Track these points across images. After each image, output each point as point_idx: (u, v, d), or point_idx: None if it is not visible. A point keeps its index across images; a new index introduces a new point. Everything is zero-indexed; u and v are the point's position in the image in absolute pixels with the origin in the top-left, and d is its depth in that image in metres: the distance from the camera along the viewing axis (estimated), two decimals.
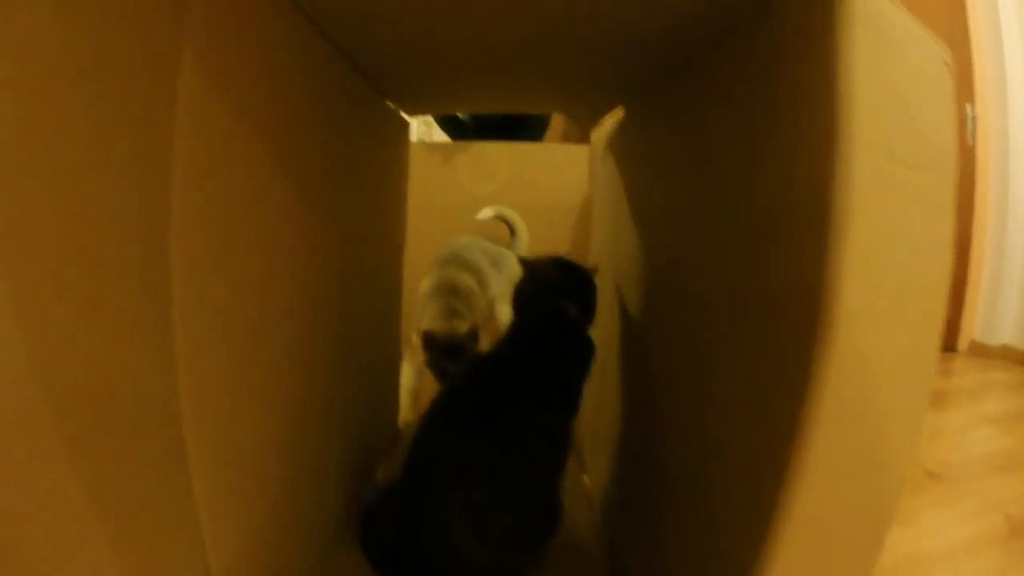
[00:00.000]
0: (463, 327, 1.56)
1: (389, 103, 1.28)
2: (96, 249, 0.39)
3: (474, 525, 0.86)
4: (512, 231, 2.10)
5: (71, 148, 0.36)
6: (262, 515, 0.70)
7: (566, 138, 2.62)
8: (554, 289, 1.08)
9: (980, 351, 3.32)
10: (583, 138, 2.04)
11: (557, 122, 2.68)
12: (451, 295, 1.68)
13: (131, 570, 0.44)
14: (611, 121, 1.32)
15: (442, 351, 1.50)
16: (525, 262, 1.18)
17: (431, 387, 1.53)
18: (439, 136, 2.67)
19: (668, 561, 0.77)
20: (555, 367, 0.99)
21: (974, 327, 3.41)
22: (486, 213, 2.09)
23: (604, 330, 1.12)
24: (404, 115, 1.43)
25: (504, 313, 1.83)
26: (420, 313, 1.69)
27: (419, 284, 1.80)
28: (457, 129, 2.49)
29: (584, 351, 1.05)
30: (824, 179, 0.47)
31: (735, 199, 0.64)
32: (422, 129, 3.37)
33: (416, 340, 1.65)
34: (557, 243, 2.17)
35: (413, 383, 1.73)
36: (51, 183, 0.35)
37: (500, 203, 2.14)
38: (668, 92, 0.92)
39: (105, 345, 0.41)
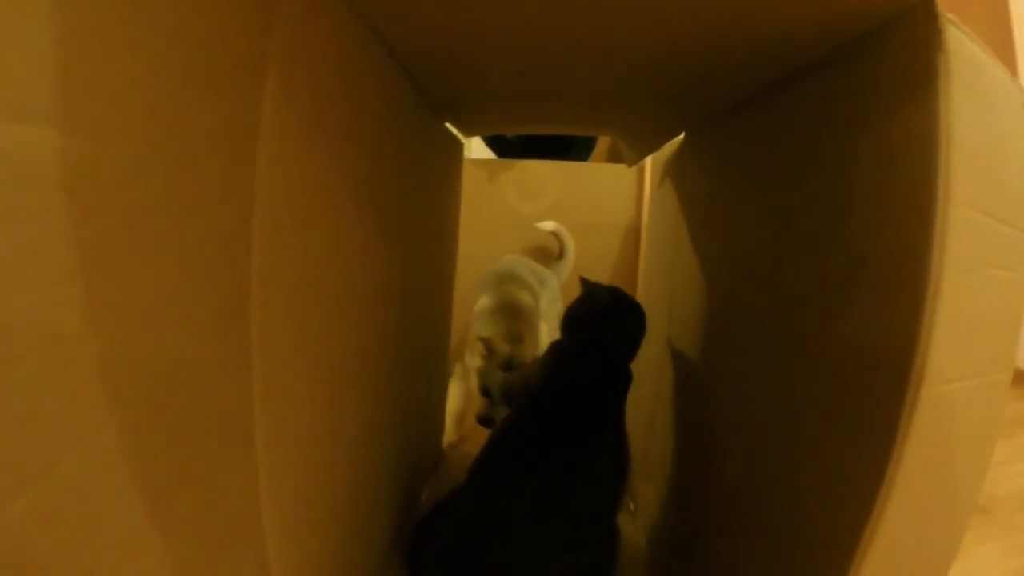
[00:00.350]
0: (527, 354, 1.55)
1: (448, 124, 1.29)
2: (181, 253, 0.40)
3: (540, 561, 0.86)
4: (562, 252, 2.11)
5: (160, 153, 0.37)
6: (324, 536, 0.70)
7: (612, 157, 2.61)
8: (606, 319, 1.08)
9: (1021, 378, 3.27)
10: (633, 161, 2.04)
11: (603, 141, 2.68)
12: (514, 317, 1.67)
13: None
14: (671, 147, 1.32)
15: (500, 365, 1.50)
16: (586, 283, 1.19)
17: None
18: (478, 154, 2.67)
19: None
20: (601, 400, 1.00)
21: (1018, 354, 3.35)
22: (547, 225, 2.10)
23: (655, 360, 1.12)
24: (459, 135, 1.44)
25: (544, 332, 1.83)
26: (478, 331, 1.67)
27: (475, 302, 1.81)
28: (502, 146, 2.49)
29: (625, 384, 1.05)
30: (921, 234, 0.46)
31: (814, 242, 0.64)
32: None
33: (468, 359, 1.67)
34: (603, 262, 2.17)
35: (460, 406, 1.73)
36: (136, 197, 0.35)
37: (547, 221, 2.14)
38: (736, 121, 0.92)
39: (183, 344, 0.41)
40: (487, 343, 1.50)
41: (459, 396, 1.74)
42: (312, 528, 0.65)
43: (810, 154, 0.67)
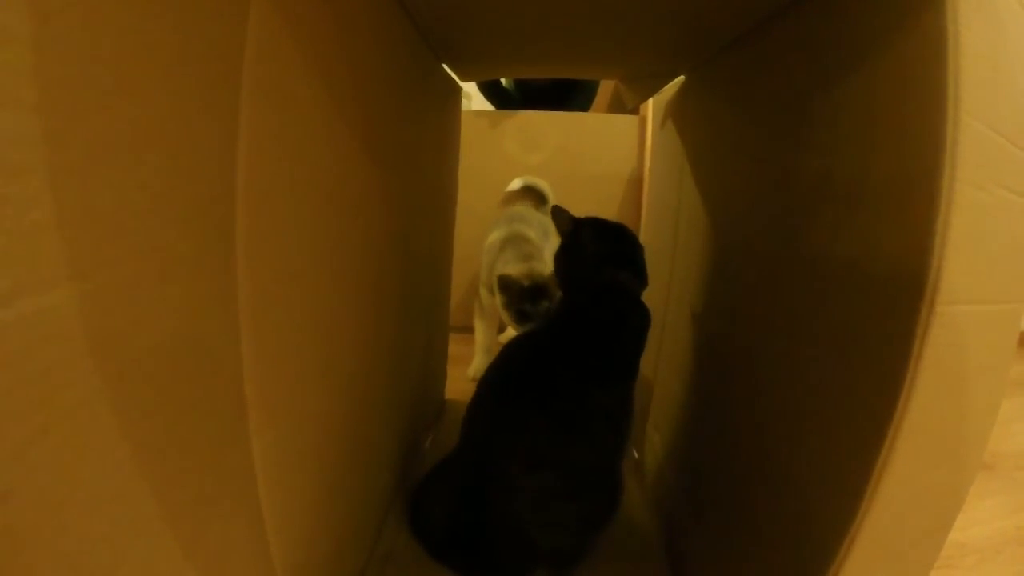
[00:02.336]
0: (544, 269, 1.58)
1: (445, 66, 1.26)
2: (159, 202, 0.38)
3: (540, 510, 0.85)
4: (544, 199, 2.09)
5: (135, 87, 0.35)
6: (322, 493, 0.69)
7: (613, 107, 2.59)
8: (605, 257, 1.02)
9: None
10: (633, 108, 2.02)
11: (604, 92, 2.65)
12: (524, 243, 1.72)
13: (189, 551, 0.43)
14: (671, 89, 1.30)
15: (521, 294, 1.52)
16: (559, 215, 1.11)
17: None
18: (477, 106, 2.65)
19: (738, 539, 0.76)
20: (612, 340, 0.95)
21: (1021, 316, 3.35)
22: (515, 184, 2.09)
23: (659, 299, 1.10)
24: (458, 80, 1.41)
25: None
26: (491, 264, 1.72)
27: (486, 239, 1.87)
28: (501, 98, 2.48)
29: (641, 321, 1.00)
30: (931, 144, 0.45)
31: (822, 170, 0.62)
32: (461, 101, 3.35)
33: (485, 296, 1.70)
34: (605, 212, 2.14)
35: (487, 339, 1.76)
36: (112, 120, 0.33)
37: (548, 172, 2.14)
38: (735, 58, 0.90)
39: (165, 310, 0.39)
40: (504, 280, 1.54)
41: (484, 329, 1.77)
42: (305, 471, 0.63)
43: (817, 77, 0.65)
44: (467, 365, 0.98)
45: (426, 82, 1.09)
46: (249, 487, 0.51)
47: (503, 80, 2.44)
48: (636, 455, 1.33)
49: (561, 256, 1.08)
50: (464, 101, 3.13)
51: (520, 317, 1.54)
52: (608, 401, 0.90)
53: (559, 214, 1.09)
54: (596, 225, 1.06)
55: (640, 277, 1.04)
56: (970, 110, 0.45)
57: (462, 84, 1.44)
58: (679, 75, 1.22)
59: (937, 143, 0.45)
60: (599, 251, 1.02)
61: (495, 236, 1.82)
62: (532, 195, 2.11)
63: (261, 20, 0.46)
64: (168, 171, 0.38)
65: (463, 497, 0.90)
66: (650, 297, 1.03)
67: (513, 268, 1.60)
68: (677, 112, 1.26)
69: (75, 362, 0.31)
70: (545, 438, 0.85)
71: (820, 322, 0.60)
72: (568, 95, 2.45)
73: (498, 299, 1.59)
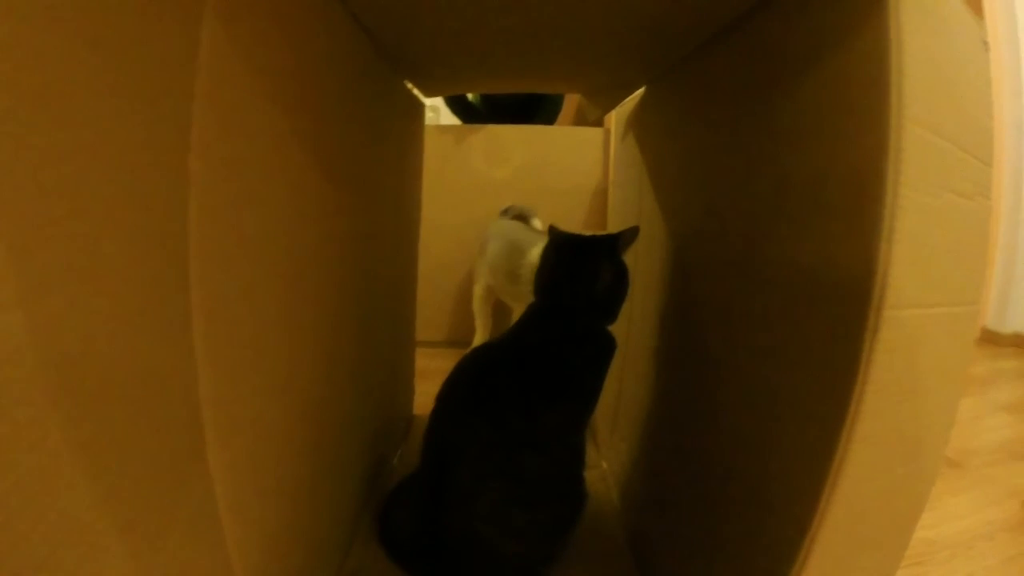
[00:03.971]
0: None
1: (407, 83, 1.26)
2: (108, 223, 0.37)
3: (496, 519, 0.86)
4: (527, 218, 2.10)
5: (83, 103, 0.35)
6: (285, 513, 0.68)
7: (580, 120, 2.61)
8: (561, 284, 1.01)
9: (992, 339, 3.30)
10: (598, 120, 2.03)
11: (570, 105, 2.67)
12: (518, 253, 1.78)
13: (145, 573, 0.42)
14: (632, 101, 1.31)
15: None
16: (551, 233, 1.10)
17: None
18: (447, 121, 2.66)
19: (704, 545, 0.76)
20: (564, 364, 0.94)
21: (986, 315, 3.39)
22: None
23: (623, 310, 1.11)
24: (420, 96, 1.41)
25: None
26: (503, 252, 1.80)
27: (482, 245, 1.95)
28: (467, 112, 2.48)
29: (596, 351, 0.99)
30: (875, 151, 0.46)
31: (774, 175, 0.63)
32: (429, 115, 3.35)
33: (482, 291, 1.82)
34: (571, 225, 2.15)
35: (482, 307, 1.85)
36: (67, 152, 0.33)
37: (515, 186, 2.16)
38: (693, 68, 0.90)
39: (118, 330, 0.39)
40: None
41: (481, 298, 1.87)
42: (266, 489, 0.63)
43: (766, 89, 0.67)
44: (437, 379, 0.99)
45: (386, 99, 1.09)
46: (208, 506, 0.50)
47: (469, 95, 2.45)
48: (605, 465, 1.34)
49: (542, 263, 1.06)
50: (432, 115, 3.16)
51: None
52: (559, 419, 0.90)
53: (550, 232, 1.09)
54: (560, 247, 1.04)
55: (610, 308, 1.02)
56: (914, 117, 0.46)
57: (429, 99, 1.44)
58: (640, 87, 1.23)
59: (881, 150, 0.46)
60: (556, 278, 1.01)
61: (492, 229, 1.91)
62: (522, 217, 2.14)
63: (213, 43, 0.46)
64: (118, 194, 0.38)
65: (428, 508, 0.90)
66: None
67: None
68: (637, 124, 1.26)
69: (26, 383, 0.31)
70: (496, 451, 0.85)
71: (776, 329, 0.61)
72: (534, 109, 2.45)
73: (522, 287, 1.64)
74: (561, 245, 1.04)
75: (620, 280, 1.01)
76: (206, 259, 0.47)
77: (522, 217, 2.09)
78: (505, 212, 2.10)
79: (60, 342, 0.33)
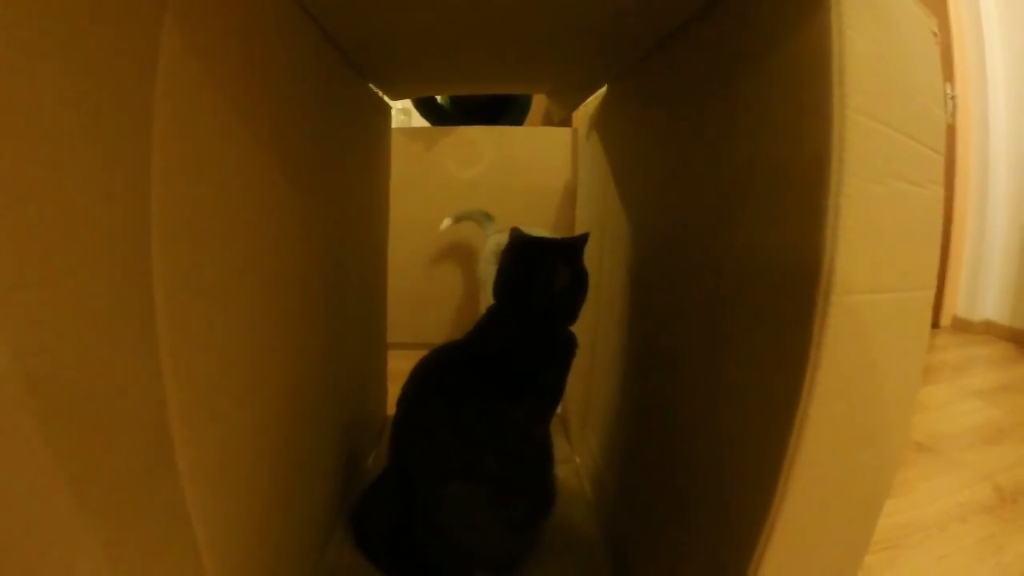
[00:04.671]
0: None
1: (372, 86, 1.27)
2: (72, 225, 0.38)
3: (461, 519, 0.86)
4: (483, 220, 2.10)
5: (44, 127, 0.35)
6: (257, 515, 0.68)
7: (547, 121, 2.62)
8: (519, 285, 1.00)
9: (963, 326, 3.34)
10: (565, 120, 2.04)
11: (538, 105, 2.67)
12: None
13: None
14: (595, 101, 1.32)
15: None
16: (512, 234, 1.09)
17: None
18: (418, 124, 2.67)
19: (671, 535, 0.77)
20: (524, 362, 0.94)
21: (956, 303, 3.42)
22: (446, 223, 2.10)
23: (591, 307, 1.11)
24: (386, 99, 1.41)
25: None
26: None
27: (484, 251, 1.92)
28: (437, 115, 2.48)
29: (556, 350, 0.99)
30: (820, 141, 0.47)
31: (730, 168, 0.64)
32: (401, 118, 3.35)
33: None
34: (541, 224, 2.17)
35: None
36: (22, 164, 0.33)
37: (484, 186, 2.17)
38: (652, 67, 0.91)
39: (84, 342, 0.39)
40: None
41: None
42: (236, 492, 0.63)
43: (721, 84, 0.67)
44: None
45: (351, 102, 1.10)
46: (178, 506, 0.51)
47: (438, 96, 2.45)
48: (578, 459, 1.34)
49: (501, 263, 1.05)
50: (404, 117, 3.16)
51: None
52: (519, 417, 0.90)
53: (511, 233, 1.08)
54: (518, 249, 1.04)
55: (569, 309, 1.01)
56: (857, 106, 0.46)
57: (400, 102, 1.44)
58: (601, 86, 1.24)
59: (825, 141, 0.46)
60: (514, 279, 1.01)
61: (494, 240, 1.89)
62: (476, 220, 2.14)
63: (171, 51, 0.46)
64: (79, 208, 0.38)
65: (398, 508, 0.91)
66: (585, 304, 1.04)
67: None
68: (600, 122, 1.27)
69: None
70: (457, 452, 0.86)
71: (733, 319, 0.62)
72: (502, 110, 2.46)
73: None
74: (520, 247, 1.03)
75: (579, 282, 1.01)
76: (169, 264, 0.47)
77: (479, 220, 2.11)
78: (459, 217, 2.11)
79: (22, 348, 0.33)
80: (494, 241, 1.85)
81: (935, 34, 0.60)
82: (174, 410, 0.49)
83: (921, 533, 1.22)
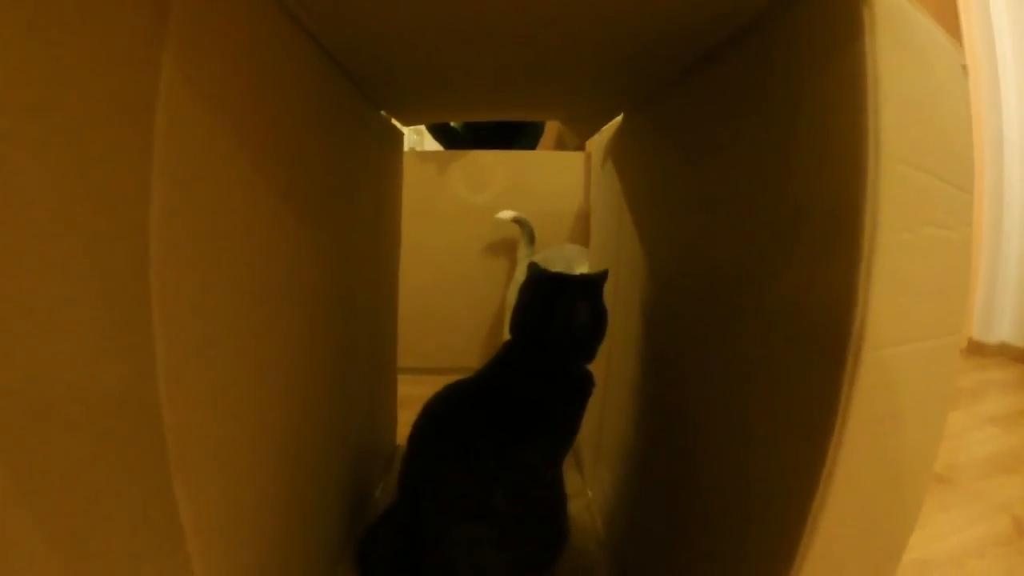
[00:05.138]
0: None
1: (383, 112, 1.26)
2: (68, 256, 0.37)
3: (471, 561, 0.85)
4: (531, 238, 2.11)
5: (43, 153, 0.34)
6: (258, 547, 0.67)
7: (560, 145, 2.61)
8: (537, 323, 0.99)
9: (978, 349, 3.31)
10: (578, 145, 2.03)
11: (551, 129, 2.67)
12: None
13: None
14: (610, 129, 1.31)
15: None
16: (530, 269, 1.08)
17: None
18: (431, 146, 2.67)
19: None
20: (537, 404, 0.92)
21: (971, 325, 3.40)
22: (506, 214, 2.10)
23: (604, 340, 1.10)
24: (398, 125, 1.41)
25: None
26: None
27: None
28: (449, 138, 2.48)
29: (572, 390, 0.98)
30: (852, 190, 0.45)
31: (750, 209, 0.62)
32: (413, 138, 3.35)
33: None
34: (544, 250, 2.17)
35: None
36: (21, 190, 0.33)
37: (497, 210, 2.16)
38: (672, 97, 0.90)
39: (83, 383, 0.38)
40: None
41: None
42: (239, 534, 0.61)
43: (743, 121, 0.66)
44: (420, 407, 0.98)
45: (362, 130, 1.09)
46: (176, 544, 0.49)
47: (450, 121, 2.45)
48: (590, 494, 1.32)
49: (519, 299, 1.05)
50: (416, 137, 3.16)
51: None
52: (531, 458, 0.89)
53: (530, 268, 1.07)
54: (538, 286, 1.03)
55: (586, 348, 1.00)
56: (891, 153, 0.45)
57: (409, 127, 1.44)
58: (618, 115, 1.23)
59: (859, 189, 0.45)
60: (532, 316, 1.00)
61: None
62: (524, 233, 2.16)
63: (171, 84, 0.45)
64: (78, 246, 0.37)
65: (406, 545, 0.89)
66: None
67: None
68: (615, 151, 1.26)
69: None
70: (468, 491, 0.84)
71: (754, 367, 0.60)
72: (516, 133, 2.46)
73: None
74: (539, 283, 1.02)
75: (598, 321, 1.00)
76: (169, 296, 0.46)
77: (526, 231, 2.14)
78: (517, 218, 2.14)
79: (23, 400, 0.32)
80: (525, 266, 1.85)
81: (964, 68, 0.59)
82: (172, 442, 0.47)
83: (939, 570, 1.20)
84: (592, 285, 1.01)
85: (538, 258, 1.91)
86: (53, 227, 0.35)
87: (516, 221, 2.14)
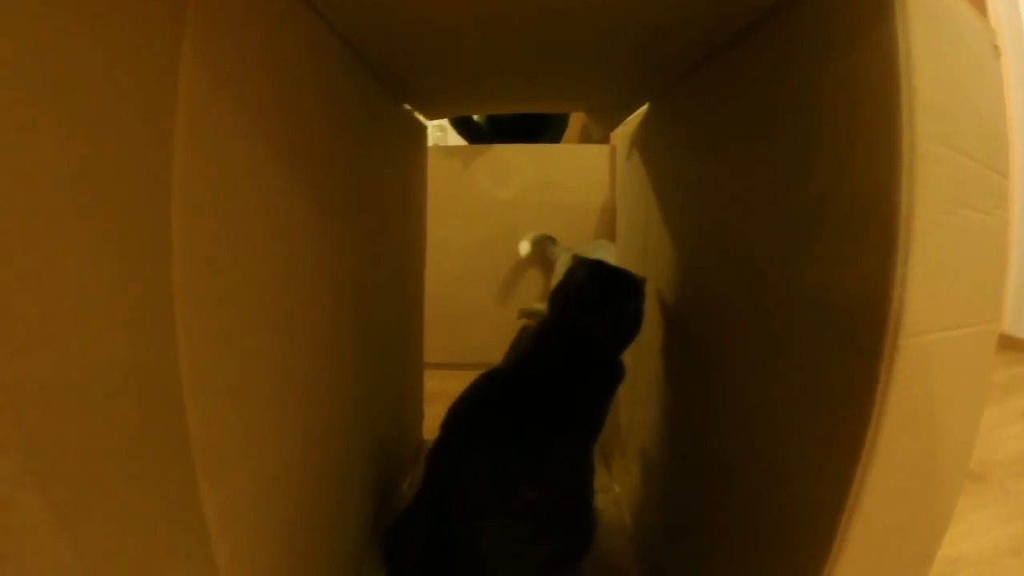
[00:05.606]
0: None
1: (406, 106, 1.25)
2: (89, 244, 0.36)
3: (499, 554, 0.84)
4: (553, 241, 2.14)
5: (63, 144, 0.34)
6: (283, 540, 0.66)
7: (585, 138, 2.60)
8: (586, 305, 0.99)
9: (1009, 344, 3.25)
10: (603, 138, 2.02)
11: (575, 122, 2.66)
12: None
13: None
14: (635, 119, 1.30)
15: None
16: (576, 259, 1.10)
17: None
18: (454, 141, 2.66)
19: (717, 572, 0.74)
20: (573, 392, 0.93)
21: (1003, 319, 3.35)
22: (524, 248, 2.14)
23: None
24: (422, 119, 1.40)
25: None
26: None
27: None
28: (473, 133, 2.47)
29: (604, 379, 0.98)
30: (887, 170, 0.44)
31: (778, 195, 0.61)
32: (437, 134, 3.34)
33: None
34: (578, 243, 2.15)
35: None
36: (41, 187, 0.32)
37: (522, 205, 2.16)
38: (697, 85, 0.89)
39: (103, 374, 0.37)
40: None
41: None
42: (263, 524, 0.61)
43: (769, 106, 0.65)
44: (447, 402, 0.97)
45: (385, 124, 1.08)
46: (203, 550, 0.48)
47: (474, 115, 2.44)
48: (617, 488, 1.31)
49: (558, 286, 1.06)
50: (439, 134, 3.16)
51: None
52: (566, 449, 0.89)
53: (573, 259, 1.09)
54: (592, 269, 1.04)
55: (622, 335, 1.01)
56: (926, 132, 0.43)
57: (435, 121, 1.44)
58: (642, 104, 1.22)
59: (893, 170, 0.43)
60: (583, 298, 1.00)
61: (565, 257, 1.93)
62: (543, 247, 2.17)
63: (192, 75, 0.45)
64: (99, 236, 0.37)
65: (433, 538, 0.89)
66: None
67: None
68: (641, 142, 1.25)
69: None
70: (497, 484, 0.84)
71: (785, 357, 0.59)
72: (539, 127, 2.45)
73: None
74: (593, 269, 1.03)
75: (641, 312, 1.02)
76: (192, 293, 0.45)
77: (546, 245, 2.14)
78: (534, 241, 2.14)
79: (45, 389, 0.32)
80: (568, 256, 1.84)
81: (996, 48, 0.57)
82: (197, 446, 0.47)
83: (971, 569, 1.18)
84: (638, 280, 1.02)
85: (569, 255, 1.91)
86: (73, 215, 0.35)
87: (536, 244, 2.15)
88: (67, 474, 0.35)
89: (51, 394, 0.34)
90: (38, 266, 0.32)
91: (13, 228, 0.30)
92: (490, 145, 2.28)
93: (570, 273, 1.05)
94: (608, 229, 2.17)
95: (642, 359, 1.13)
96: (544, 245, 2.15)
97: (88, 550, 0.36)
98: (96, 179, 0.36)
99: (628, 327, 1.01)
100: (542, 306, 1.45)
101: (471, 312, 2.30)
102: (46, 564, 0.34)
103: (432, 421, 0.95)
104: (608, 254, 1.90)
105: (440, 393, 0.96)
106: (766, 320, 0.63)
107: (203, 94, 0.46)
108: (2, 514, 0.31)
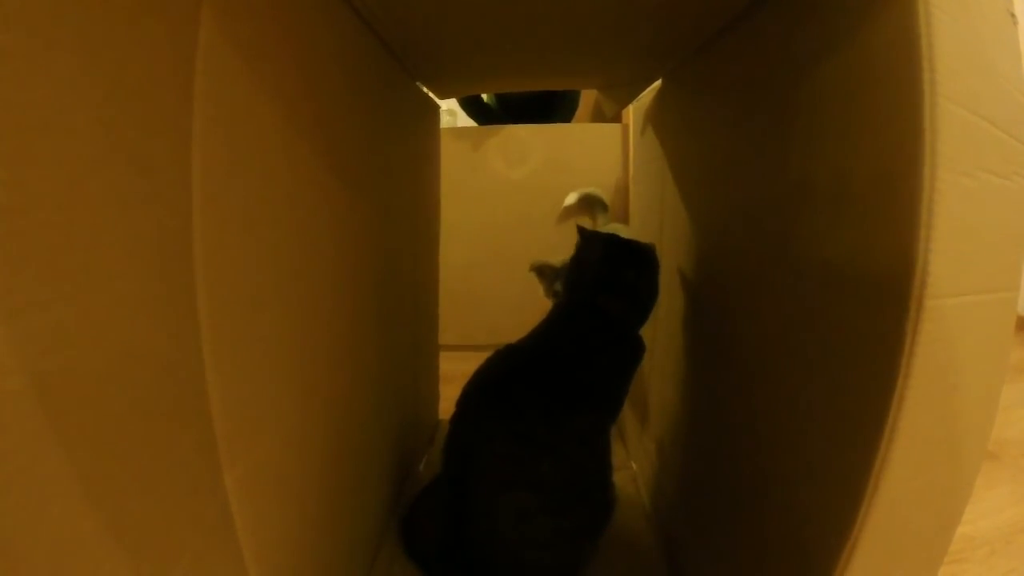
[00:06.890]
0: None
1: (420, 84, 1.25)
2: (106, 232, 0.36)
3: (519, 528, 0.84)
4: (603, 207, 2.14)
5: (80, 122, 0.33)
6: (306, 527, 0.67)
7: (598, 116, 2.59)
8: (603, 283, 0.98)
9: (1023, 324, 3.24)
10: (615, 117, 2.01)
11: (586, 102, 2.65)
12: None
13: None
14: (649, 95, 1.29)
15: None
16: (582, 233, 1.09)
17: None
18: (464, 124, 2.65)
19: (739, 550, 0.74)
20: (591, 369, 0.92)
21: (1018, 300, 3.32)
22: (571, 199, 2.13)
23: None
24: (435, 97, 1.40)
25: None
26: None
27: None
28: (483, 114, 2.46)
29: (625, 355, 0.98)
30: (909, 132, 0.43)
31: (798, 165, 0.61)
32: (446, 118, 3.33)
33: None
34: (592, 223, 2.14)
35: None
36: (57, 162, 0.32)
37: (534, 185, 2.15)
38: (712, 57, 0.88)
39: (121, 343, 0.37)
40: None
41: None
42: (285, 503, 0.61)
43: (788, 75, 0.64)
44: (462, 383, 0.97)
45: (400, 102, 1.08)
46: (224, 523, 0.49)
47: (484, 96, 2.43)
48: (635, 466, 1.31)
49: (571, 262, 1.05)
50: (449, 118, 3.15)
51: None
52: (583, 426, 0.88)
53: (580, 231, 1.07)
54: (605, 245, 1.02)
55: (641, 310, 1.01)
56: (948, 94, 0.43)
57: (445, 102, 1.43)
58: (656, 79, 1.21)
59: (916, 131, 0.43)
60: (598, 273, 0.99)
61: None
62: (591, 206, 2.15)
63: (211, 44, 0.44)
64: (119, 207, 0.36)
65: (451, 516, 0.89)
66: None
67: None
68: (655, 117, 1.24)
69: (16, 399, 0.30)
70: (516, 460, 0.84)
71: (809, 326, 0.59)
72: (550, 107, 2.44)
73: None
74: (605, 245, 1.02)
75: (656, 285, 1.01)
76: (213, 266, 0.46)
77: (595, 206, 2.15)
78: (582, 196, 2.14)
79: (56, 356, 0.32)
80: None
81: (1013, 16, 0.56)
82: (219, 419, 0.47)
83: (987, 547, 1.18)
84: (652, 251, 1.01)
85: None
86: (92, 187, 0.34)
87: (584, 200, 2.13)
88: (95, 450, 0.35)
89: (69, 367, 0.34)
90: (54, 233, 0.32)
91: (26, 212, 0.30)
92: (501, 126, 2.26)
93: (582, 250, 1.04)
94: (621, 208, 2.17)
95: (659, 337, 1.13)
96: (592, 205, 2.13)
97: (114, 521, 0.36)
98: (114, 146, 0.36)
99: (645, 300, 1.00)
100: (556, 261, 1.44)
101: (485, 293, 2.29)
102: (73, 533, 0.33)
103: (447, 402, 0.96)
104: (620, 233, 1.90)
105: (455, 374, 0.96)
106: (790, 291, 0.63)
107: (222, 55, 0.46)
108: (33, 488, 0.30)
